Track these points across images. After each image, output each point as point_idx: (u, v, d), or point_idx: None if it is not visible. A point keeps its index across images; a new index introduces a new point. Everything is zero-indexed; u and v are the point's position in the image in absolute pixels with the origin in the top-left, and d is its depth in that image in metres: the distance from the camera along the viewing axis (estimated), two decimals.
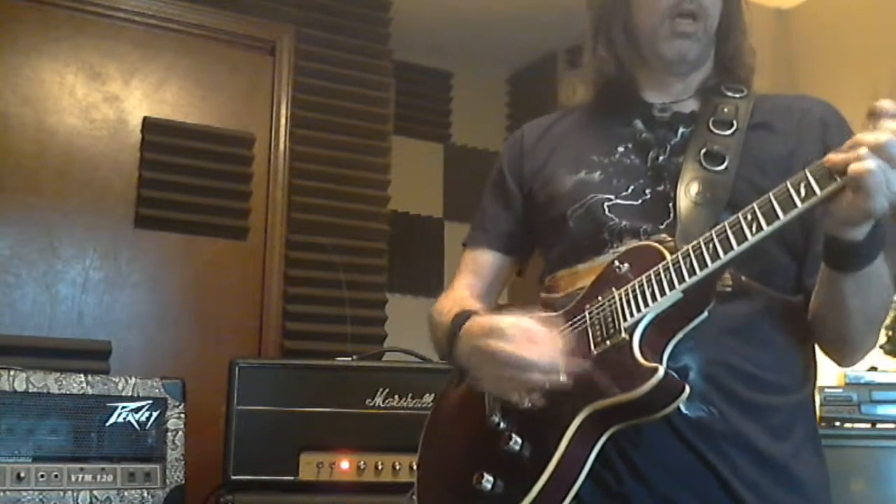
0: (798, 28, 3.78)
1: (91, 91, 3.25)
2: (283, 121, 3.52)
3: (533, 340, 1.31)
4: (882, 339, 2.84)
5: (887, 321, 2.35)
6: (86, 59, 3.25)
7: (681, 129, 1.52)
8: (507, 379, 1.31)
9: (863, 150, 1.15)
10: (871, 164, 1.15)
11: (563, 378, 1.29)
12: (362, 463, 2.43)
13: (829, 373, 2.71)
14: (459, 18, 4.01)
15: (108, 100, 3.27)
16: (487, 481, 1.34)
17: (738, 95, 1.54)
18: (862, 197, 1.16)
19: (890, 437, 2.61)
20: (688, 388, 1.25)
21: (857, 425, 2.63)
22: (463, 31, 4.11)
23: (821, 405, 2.63)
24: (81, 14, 3.27)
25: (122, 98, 3.29)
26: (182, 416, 2.41)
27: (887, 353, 2.86)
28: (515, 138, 1.69)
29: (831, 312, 1.37)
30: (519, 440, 1.33)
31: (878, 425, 2.63)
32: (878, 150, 1.15)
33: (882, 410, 2.63)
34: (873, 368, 2.70)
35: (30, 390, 2.27)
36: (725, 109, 1.51)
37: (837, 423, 2.63)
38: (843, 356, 1.46)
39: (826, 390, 2.63)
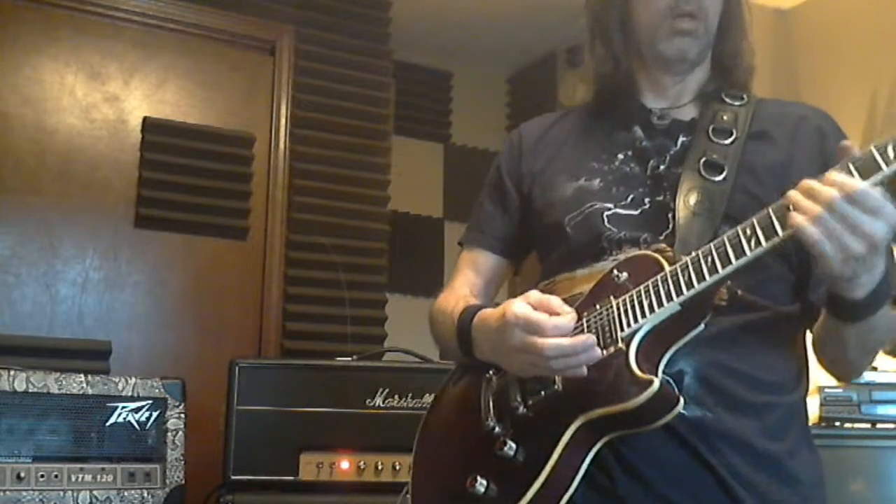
0: (798, 28, 3.78)
1: (91, 91, 3.25)
2: (283, 121, 3.52)
3: (562, 328, 1.29)
4: None
5: None
6: (86, 59, 3.25)
7: (680, 138, 1.51)
8: (543, 368, 1.30)
9: (809, 204, 1.15)
10: (809, 225, 1.14)
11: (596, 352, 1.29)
12: (362, 463, 2.43)
13: None
14: (459, 18, 4.01)
15: (108, 100, 3.27)
16: (481, 485, 1.34)
17: (737, 103, 1.53)
18: (816, 255, 1.16)
19: (890, 437, 2.61)
20: (682, 402, 1.26)
21: (857, 425, 2.63)
22: (463, 31, 4.11)
23: (821, 405, 2.62)
24: (81, 14, 3.27)
25: (122, 98, 3.29)
26: (182, 416, 2.41)
27: (887, 353, 2.85)
28: (513, 139, 1.68)
29: (833, 346, 1.39)
30: (514, 446, 1.33)
31: (878, 425, 2.62)
32: (829, 206, 1.14)
33: (882, 410, 2.62)
34: (873, 368, 2.69)
35: (30, 390, 2.27)
36: (725, 117, 1.51)
37: (837, 423, 2.62)
38: (843, 377, 1.51)
39: (826, 390, 2.63)
